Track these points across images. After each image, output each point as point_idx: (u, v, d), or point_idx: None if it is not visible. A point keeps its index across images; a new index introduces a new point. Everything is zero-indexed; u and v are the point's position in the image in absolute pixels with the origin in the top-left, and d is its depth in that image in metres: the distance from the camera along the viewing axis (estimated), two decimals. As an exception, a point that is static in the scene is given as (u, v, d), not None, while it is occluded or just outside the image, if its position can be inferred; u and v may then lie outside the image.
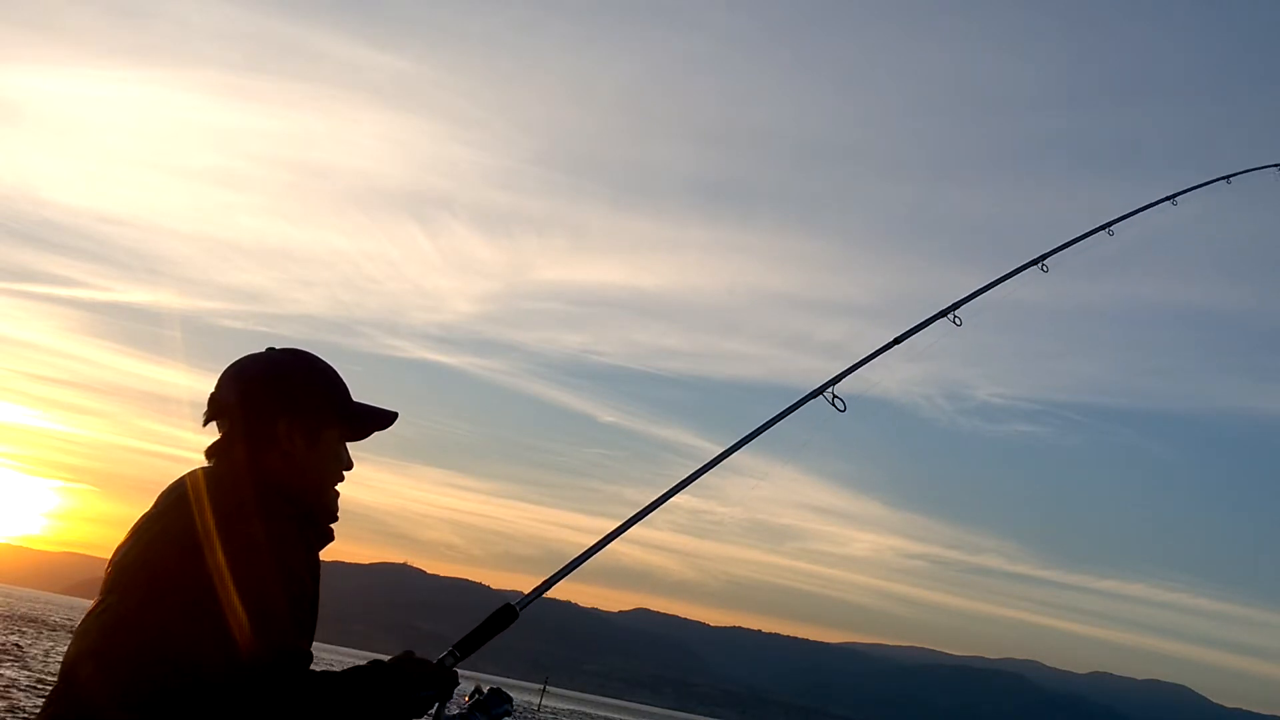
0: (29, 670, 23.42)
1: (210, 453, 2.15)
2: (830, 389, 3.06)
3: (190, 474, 2.11)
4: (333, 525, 2.19)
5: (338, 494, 2.21)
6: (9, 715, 15.97)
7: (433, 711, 2.20)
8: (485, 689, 2.33)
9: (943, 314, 3.36)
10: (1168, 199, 4.09)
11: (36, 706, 16.67)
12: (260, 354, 2.20)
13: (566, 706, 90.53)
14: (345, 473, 2.23)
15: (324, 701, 1.97)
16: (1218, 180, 4.53)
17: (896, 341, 3.22)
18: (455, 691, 2.22)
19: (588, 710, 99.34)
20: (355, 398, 2.24)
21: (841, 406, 3.08)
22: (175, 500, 2.06)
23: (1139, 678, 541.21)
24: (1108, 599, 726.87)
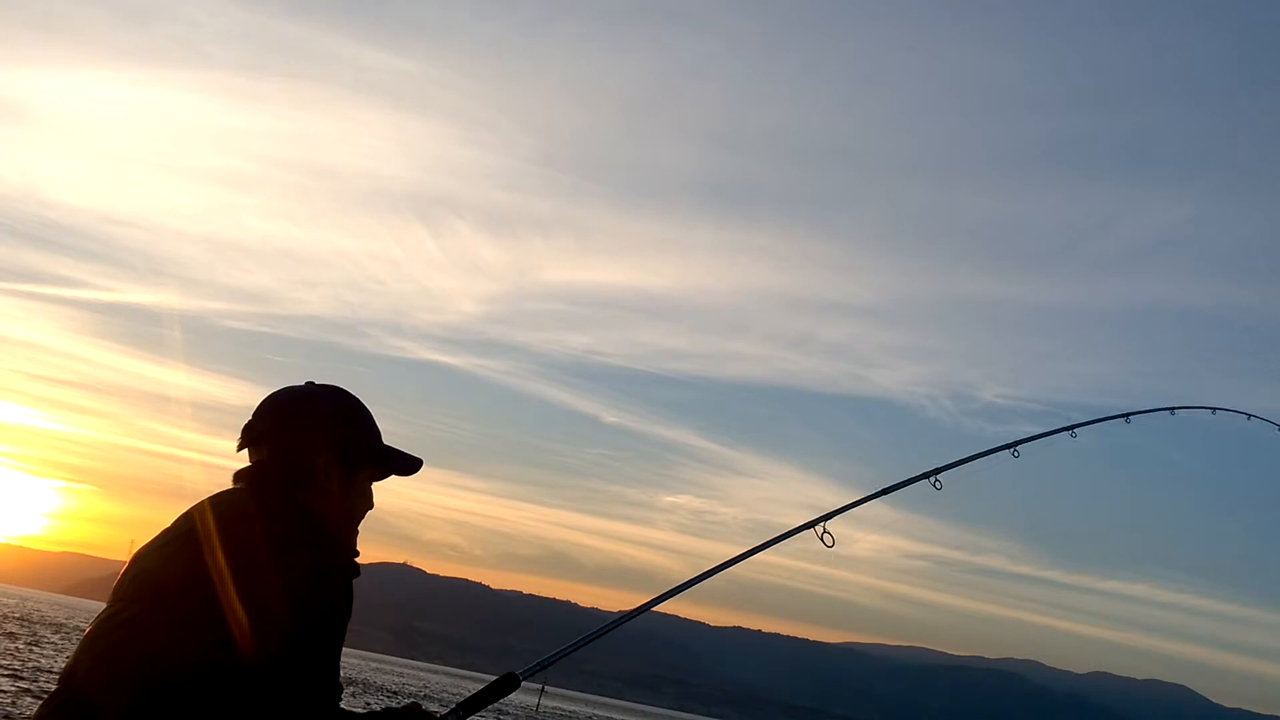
0: (20, 674, 23.46)
1: (242, 477, 2.16)
2: (822, 524, 3.31)
3: (222, 495, 2.13)
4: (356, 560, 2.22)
5: (358, 532, 2.25)
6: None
7: None
8: None
9: (925, 476, 3.67)
10: (1067, 429, 4.19)
11: (31, 708, 16.74)
12: (301, 387, 2.23)
13: (566, 706, 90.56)
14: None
15: None
16: (1116, 418, 4.61)
17: (883, 493, 3.54)
18: None
19: (588, 710, 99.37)
20: (357, 395, 2.29)
21: (830, 542, 3.34)
22: (209, 522, 2.05)
23: (1139, 678, 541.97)
24: (1110, 599, 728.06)
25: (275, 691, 1.91)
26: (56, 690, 2.01)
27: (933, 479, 3.66)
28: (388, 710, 2.20)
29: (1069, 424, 4.42)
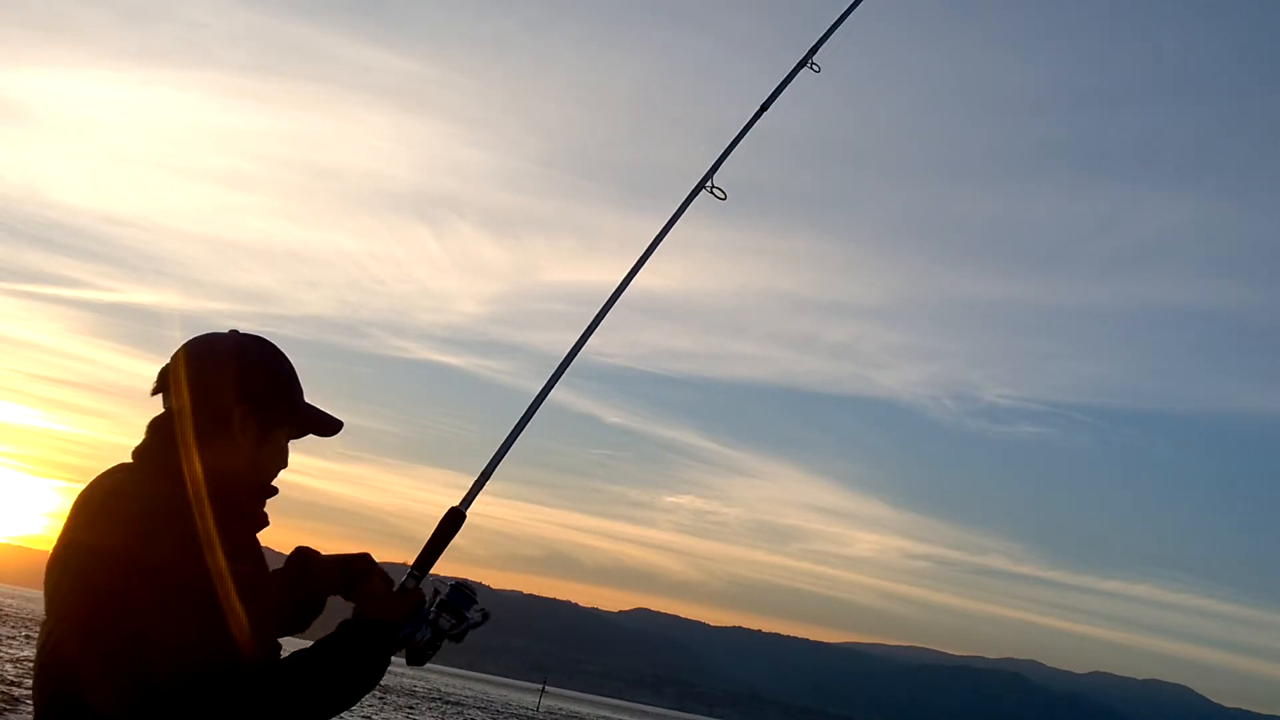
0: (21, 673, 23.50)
1: (154, 427, 2.09)
2: (710, 180, 3.15)
3: (110, 473, 2.05)
4: (265, 510, 2.14)
5: (273, 491, 2.16)
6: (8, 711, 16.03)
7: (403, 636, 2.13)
8: (445, 588, 2.24)
9: (802, 64, 3.48)
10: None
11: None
12: (224, 334, 2.15)
13: (566, 706, 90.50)
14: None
15: (299, 685, 1.94)
16: None
17: (762, 110, 3.33)
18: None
19: (588, 710, 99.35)
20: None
21: (722, 195, 3.19)
22: (94, 507, 1.98)
23: (1139, 678, 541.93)
24: (1110, 599, 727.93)
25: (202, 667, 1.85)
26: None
27: (810, 63, 3.52)
28: (341, 625, 2.09)
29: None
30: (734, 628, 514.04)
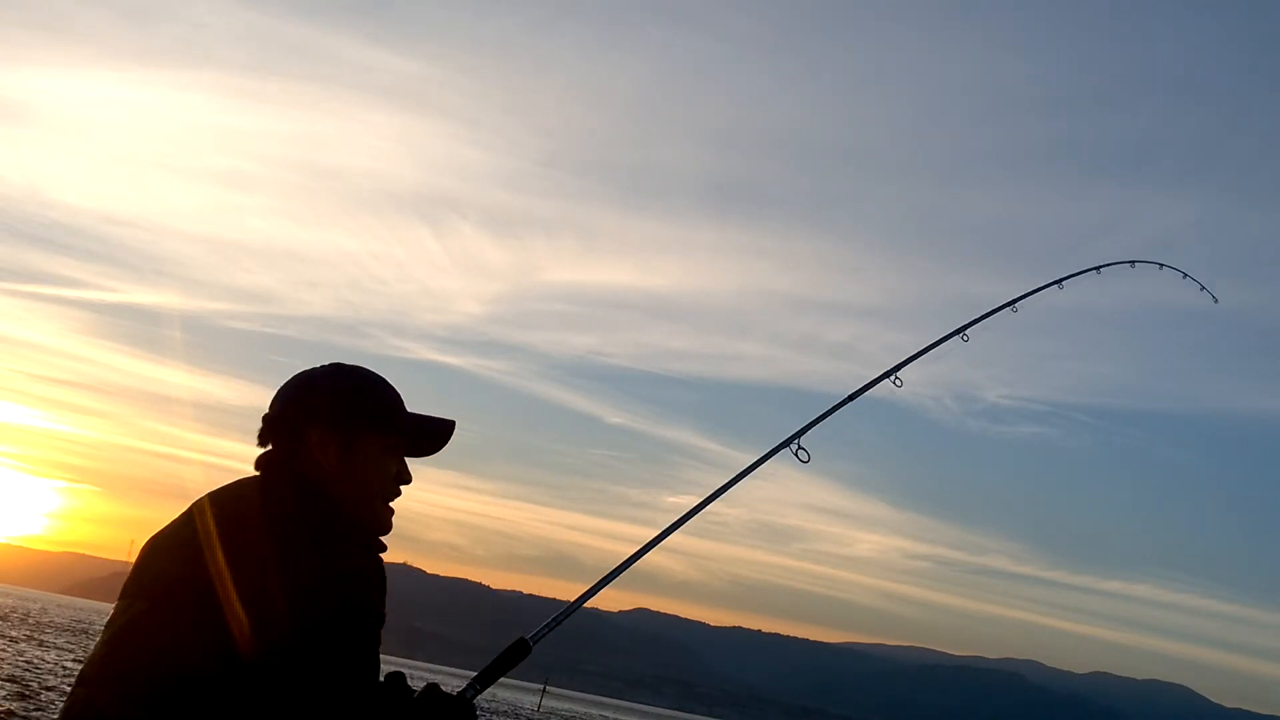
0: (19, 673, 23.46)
1: (258, 464, 2.13)
2: (796, 441, 3.31)
3: (224, 490, 2.09)
4: (384, 540, 2.14)
5: (391, 510, 2.15)
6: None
7: None
8: None
9: (885, 376, 3.73)
10: (957, 333, 4.15)
11: (28, 708, 16.71)
12: (313, 368, 2.19)
13: (566, 706, 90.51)
14: (402, 488, 2.17)
15: None
16: (1003, 308, 4.48)
17: (849, 400, 3.55)
18: None
19: (588, 710, 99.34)
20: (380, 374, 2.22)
21: (806, 459, 3.32)
22: (208, 519, 2.01)
23: (1139, 678, 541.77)
24: (1111, 599, 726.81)
25: (282, 692, 1.86)
26: (72, 691, 1.98)
27: (893, 377, 3.73)
28: (405, 694, 2.14)
29: (1009, 300, 4.41)
30: (734, 628, 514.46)
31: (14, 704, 16.67)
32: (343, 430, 2.10)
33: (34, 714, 15.89)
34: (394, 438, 2.16)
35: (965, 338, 4.05)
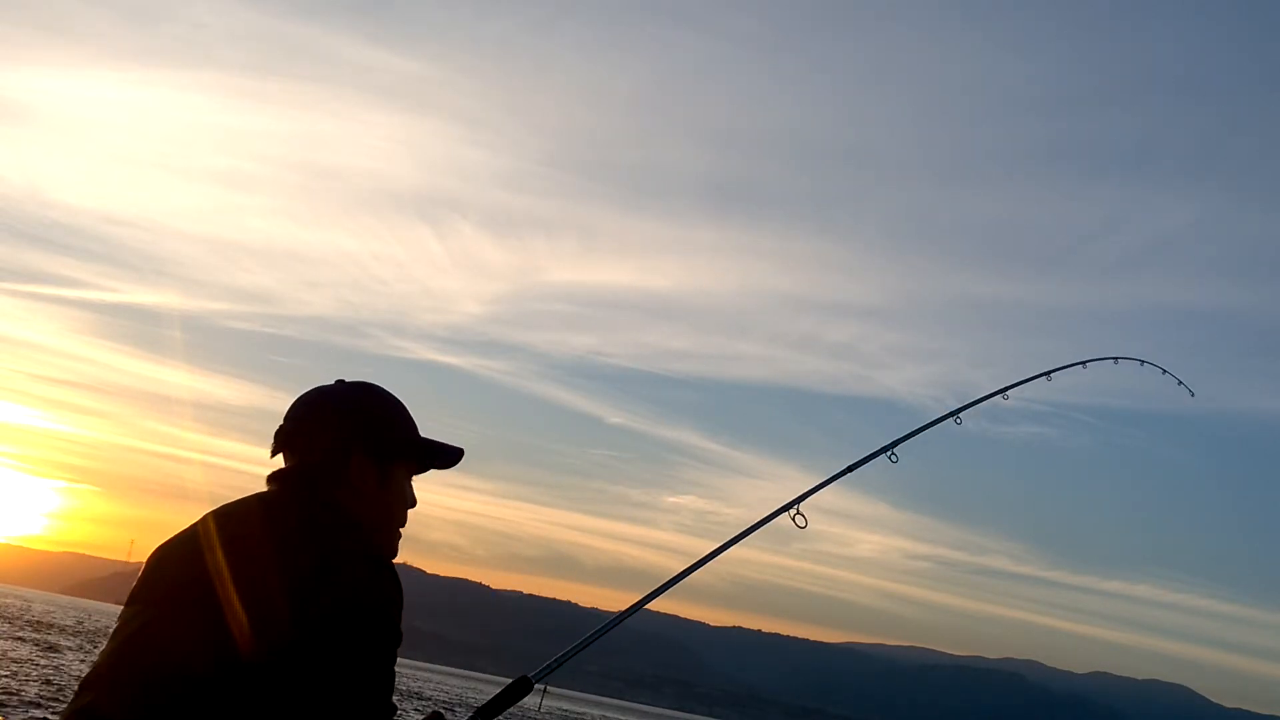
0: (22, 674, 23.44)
1: (274, 480, 2.08)
2: (795, 507, 3.39)
3: (230, 505, 2.05)
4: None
5: (400, 534, 2.18)
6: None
7: None
8: None
9: (882, 451, 3.92)
10: (952, 415, 4.41)
11: (28, 709, 16.70)
12: (331, 386, 2.16)
13: (567, 706, 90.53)
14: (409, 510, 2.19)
15: None
16: (995, 394, 4.83)
17: (847, 470, 3.72)
18: None
19: (588, 710, 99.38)
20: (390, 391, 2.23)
21: (803, 524, 3.43)
22: (210, 527, 2.00)
23: (1139, 678, 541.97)
24: (1111, 599, 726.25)
25: (284, 693, 1.85)
26: (76, 696, 1.96)
27: (889, 453, 3.88)
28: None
29: (999, 388, 4.61)
30: (734, 628, 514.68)
31: (13, 703, 16.65)
32: (380, 458, 2.11)
33: (34, 715, 15.88)
34: (414, 464, 2.19)
35: (959, 420, 4.30)
